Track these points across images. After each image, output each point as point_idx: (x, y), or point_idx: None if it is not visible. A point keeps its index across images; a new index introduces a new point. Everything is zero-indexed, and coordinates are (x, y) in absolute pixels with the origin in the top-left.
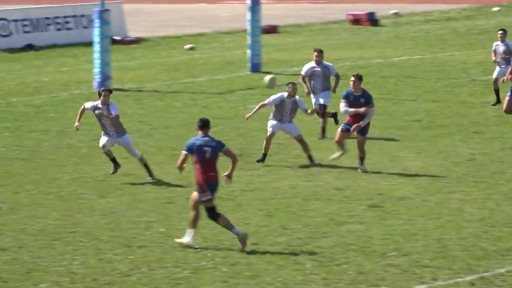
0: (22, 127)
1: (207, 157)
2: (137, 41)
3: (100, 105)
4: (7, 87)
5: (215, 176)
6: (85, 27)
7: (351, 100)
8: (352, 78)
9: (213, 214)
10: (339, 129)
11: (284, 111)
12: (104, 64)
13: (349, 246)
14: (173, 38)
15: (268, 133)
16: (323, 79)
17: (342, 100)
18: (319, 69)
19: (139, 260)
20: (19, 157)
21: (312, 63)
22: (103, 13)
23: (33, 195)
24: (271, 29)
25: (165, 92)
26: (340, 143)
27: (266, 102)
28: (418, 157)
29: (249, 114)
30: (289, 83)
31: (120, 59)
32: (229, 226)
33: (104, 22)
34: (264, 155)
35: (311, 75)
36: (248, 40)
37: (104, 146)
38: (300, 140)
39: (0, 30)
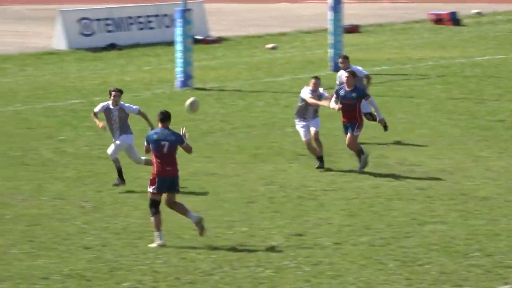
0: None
1: (165, 151)
2: (219, 40)
3: (111, 106)
4: (90, 86)
5: (171, 171)
6: (167, 27)
7: (342, 95)
8: (346, 75)
9: (154, 207)
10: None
11: (309, 105)
12: (186, 63)
13: (432, 246)
14: (255, 37)
15: (305, 142)
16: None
17: (334, 95)
18: (345, 75)
19: (222, 259)
20: (102, 156)
21: (341, 71)
22: (185, 12)
23: (116, 194)
24: (353, 29)
25: (247, 91)
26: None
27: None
28: (501, 157)
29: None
30: (312, 77)
31: (202, 58)
32: (157, 227)
33: (186, 22)
34: (319, 157)
35: (340, 82)
36: (330, 39)
37: (136, 159)
38: (316, 138)
39: (83, 30)
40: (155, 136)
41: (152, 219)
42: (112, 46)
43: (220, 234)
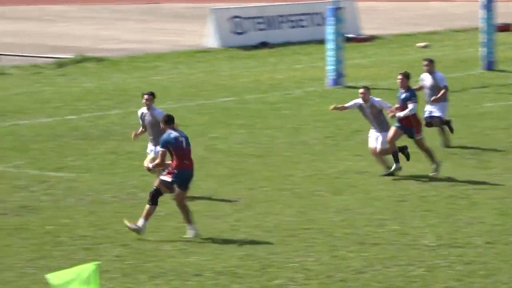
0: (257, 124)
1: (184, 147)
2: (370, 38)
3: (145, 111)
4: (242, 84)
5: (188, 164)
6: (318, 25)
7: (397, 97)
8: (399, 76)
9: (155, 197)
10: (393, 127)
11: (366, 116)
12: (338, 61)
13: None
14: (407, 36)
15: (371, 151)
16: (431, 89)
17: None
18: (429, 79)
19: (373, 257)
20: (254, 154)
21: (424, 73)
22: (337, 10)
23: (267, 192)
24: (506, 27)
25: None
26: (392, 142)
27: (346, 104)
28: None
29: (333, 106)
30: (361, 87)
31: (353, 56)
32: (146, 216)
33: (337, 20)
34: (389, 168)
35: (423, 85)
36: (482, 38)
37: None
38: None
39: (235, 28)
40: (172, 135)
41: (147, 207)
42: (263, 45)
43: (371, 232)
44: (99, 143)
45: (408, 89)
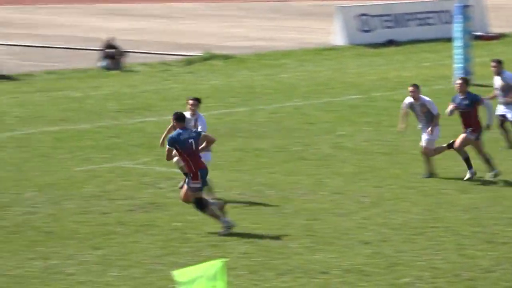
0: (384, 122)
1: (194, 148)
2: (498, 36)
3: (188, 116)
4: (369, 82)
5: (203, 163)
6: (446, 23)
7: (456, 103)
8: (459, 81)
9: (200, 204)
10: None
11: (417, 115)
12: (465, 59)
13: None
14: None
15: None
16: (502, 90)
17: (450, 103)
18: (498, 80)
19: (502, 256)
20: (380, 152)
21: (495, 76)
22: (465, 8)
23: (394, 189)
24: None
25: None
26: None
27: (403, 106)
28: None
29: (401, 126)
30: (409, 85)
31: (481, 54)
32: (216, 216)
33: (465, 18)
34: (430, 174)
35: (495, 94)
36: None
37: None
38: (424, 153)
39: (362, 26)
40: (181, 137)
41: (208, 214)
42: (390, 42)
43: (500, 231)
44: (226, 140)
45: (468, 94)
